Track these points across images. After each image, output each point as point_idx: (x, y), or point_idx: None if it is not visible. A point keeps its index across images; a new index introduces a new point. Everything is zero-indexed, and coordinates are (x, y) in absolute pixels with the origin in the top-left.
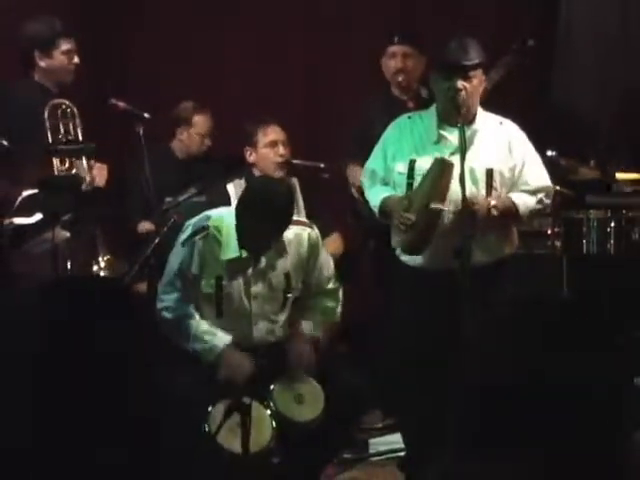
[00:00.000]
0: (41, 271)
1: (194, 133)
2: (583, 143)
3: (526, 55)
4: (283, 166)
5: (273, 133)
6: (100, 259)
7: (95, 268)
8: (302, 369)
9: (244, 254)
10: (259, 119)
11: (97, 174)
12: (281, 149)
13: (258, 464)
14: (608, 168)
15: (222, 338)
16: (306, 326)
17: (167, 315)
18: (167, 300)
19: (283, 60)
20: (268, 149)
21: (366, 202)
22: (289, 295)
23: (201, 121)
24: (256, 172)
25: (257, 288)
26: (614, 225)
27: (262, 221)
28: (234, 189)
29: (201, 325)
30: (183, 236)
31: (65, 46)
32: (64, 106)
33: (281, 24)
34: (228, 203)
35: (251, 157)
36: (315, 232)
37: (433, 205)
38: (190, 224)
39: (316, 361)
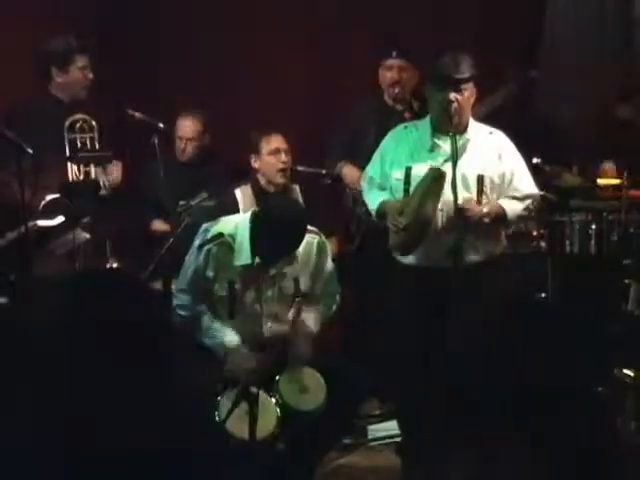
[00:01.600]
0: (62, 271)
1: (176, 137)
2: (566, 150)
3: (527, 84)
4: (284, 172)
5: (275, 142)
6: (107, 265)
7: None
8: (302, 362)
9: (257, 261)
10: (263, 129)
11: (113, 169)
12: (283, 156)
13: (264, 449)
14: (589, 174)
15: (230, 338)
16: (308, 321)
17: (182, 313)
18: (183, 299)
19: (284, 71)
20: (271, 156)
21: (364, 203)
22: (298, 299)
23: (182, 125)
24: (260, 178)
25: (268, 292)
26: (595, 227)
27: (276, 238)
28: (241, 194)
29: (213, 324)
30: (199, 240)
31: (80, 62)
32: (82, 121)
33: (283, 34)
34: (236, 207)
35: (256, 164)
36: (323, 240)
37: (424, 220)
38: (205, 228)
39: (315, 353)
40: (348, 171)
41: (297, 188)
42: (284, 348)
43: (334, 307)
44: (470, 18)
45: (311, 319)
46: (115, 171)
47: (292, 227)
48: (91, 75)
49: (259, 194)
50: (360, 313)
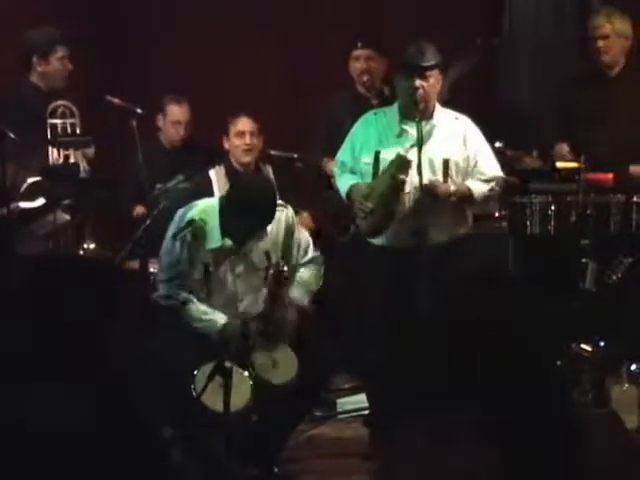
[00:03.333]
0: (43, 250)
1: (168, 121)
2: (526, 135)
3: (489, 52)
4: (248, 152)
5: (241, 124)
6: (85, 246)
7: (80, 253)
8: (285, 335)
9: (227, 242)
10: (232, 112)
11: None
12: (247, 138)
13: (238, 421)
14: (549, 158)
15: (219, 316)
16: (296, 295)
17: (168, 302)
18: (165, 289)
19: (267, 61)
20: (236, 138)
21: (336, 189)
22: (270, 271)
23: (174, 111)
24: (231, 158)
25: (240, 268)
26: (554, 209)
27: (247, 217)
28: (215, 175)
29: (200, 307)
30: (172, 229)
31: (61, 53)
32: (64, 107)
33: (264, 24)
34: (211, 188)
35: (226, 145)
36: (290, 212)
37: (400, 176)
38: (179, 215)
39: (298, 326)
40: (329, 165)
41: (269, 169)
42: (258, 324)
43: (320, 272)
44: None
45: (298, 291)
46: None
47: (262, 204)
48: (70, 65)
49: (231, 174)
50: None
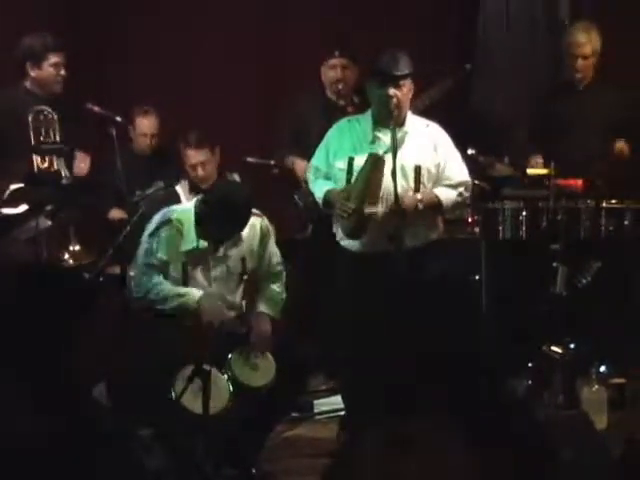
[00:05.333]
0: (26, 255)
1: (137, 134)
2: (498, 142)
3: (464, 77)
4: (204, 179)
5: (192, 157)
6: (70, 248)
7: (66, 256)
8: (263, 347)
9: (202, 244)
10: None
11: (81, 162)
12: (199, 170)
13: (217, 423)
14: (520, 164)
15: (195, 291)
16: (263, 308)
17: (139, 294)
18: (137, 284)
19: (238, 67)
20: (191, 169)
21: (311, 193)
22: (245, 277)
23: (142, 123)
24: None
25: (216, 272)
26: (525, 214)
27: (222, 219)
28: (181, 189)
29: (173, 287)
30: (148, 230)
31: (54, 59)
32: (45, 112)
33: (237, 27)
34: (179, 201)
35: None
36: (265, 222)
37: (367, 210)
38: (155, 218)
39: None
40: (297, 164)
41: (236, 176)
42: (235, 327)
43: (283, 289)
44: (410, 20)
45: (265, 304)
46: (83, 163)
47: (237, 207)
48: (63, 72)
49: (194, 189)
50: (309, 296)
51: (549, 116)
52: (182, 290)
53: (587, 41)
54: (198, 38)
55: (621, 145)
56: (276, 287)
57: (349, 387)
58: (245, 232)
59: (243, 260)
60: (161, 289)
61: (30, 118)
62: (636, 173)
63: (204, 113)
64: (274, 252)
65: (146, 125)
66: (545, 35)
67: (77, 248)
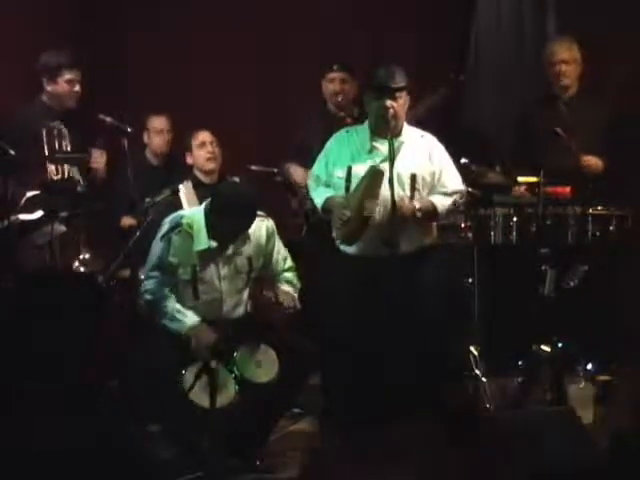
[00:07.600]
0: (40, 259)
1: (152, 133)
2: (490, 152)
3: (457, 87)
4: (211, 160)
5: (201, 136)
6: (81, 256)
7: (76, 264)
8: (289, 301)
9: (213, 245)
10: (191, 129)
11: (97, 157)
12: (209, 147)
13: (223, 417)
14: (510, 173)
15: (191, 318)
16: (287, 289)
17: (148, 297)
18: (148, 285)
19: (239, 79)
20: (198, 149)
21: (310, 199)
22: (252, 275)
23: (155, 121)
24: (195, 171)
25: (225, 271)
26: (516, 220)
27: (230, 220)
28: (184, 189)
29: (175, 306)
30: (161, 233)
31: (68, 76)
32: (57, 127)
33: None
34: (179, 202)
35: (190, 159)
36: (271, 223)
37: (366, 213)
38: (166, 222)
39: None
40: (294, 170)
41: (237, 180)
42: (242, 325)
43: (297, 278)
44: (410, 20)
45: (287, 287)
46: (100, 158)
47: (242, 206)
48: (78, 88)
49: (198, 187)
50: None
51: (534, 123)
52: (179, 315)
53: (565, 49)
54: (198, 51)
55: (588, 160)
56: (291, 276)
57: (336, 386)
58: (252, 232)
59: (250, 259)
60: (166, 305)
61: (44, 132)
62: (618, 181)
63: (205, 121)
64: (281, 249)
65: (161, 122)
66: (532, 50)
67: (87, 256)
